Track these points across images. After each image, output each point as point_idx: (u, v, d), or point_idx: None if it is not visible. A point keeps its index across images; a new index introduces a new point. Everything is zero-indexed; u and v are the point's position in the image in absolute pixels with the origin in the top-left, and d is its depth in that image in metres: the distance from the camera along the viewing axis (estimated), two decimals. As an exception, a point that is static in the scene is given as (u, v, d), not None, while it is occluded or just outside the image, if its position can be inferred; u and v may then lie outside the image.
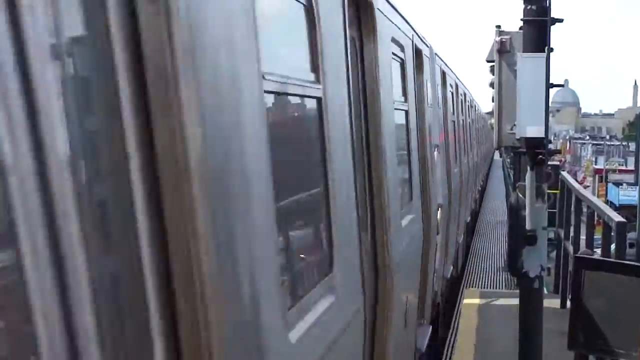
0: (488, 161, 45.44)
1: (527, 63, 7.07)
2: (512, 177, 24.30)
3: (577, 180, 16.49)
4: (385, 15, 5.32)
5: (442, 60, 11.37)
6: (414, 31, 7.59)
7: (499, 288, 15.44)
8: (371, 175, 4.68)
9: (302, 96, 3.29)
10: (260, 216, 2.31)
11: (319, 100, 3.36)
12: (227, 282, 2.01)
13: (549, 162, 7.68)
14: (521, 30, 7.44)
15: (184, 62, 1.81)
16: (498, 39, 7.81)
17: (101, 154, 1.69)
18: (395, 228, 4.98)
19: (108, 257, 1.68)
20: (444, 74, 11.27)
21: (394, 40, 5.88)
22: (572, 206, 10.84)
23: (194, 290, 1.82)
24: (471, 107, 20.77)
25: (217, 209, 1.97)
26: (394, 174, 5.14)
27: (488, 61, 8.18)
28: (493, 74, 8.09)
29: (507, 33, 7.83)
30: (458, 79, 14.97)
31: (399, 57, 6.37)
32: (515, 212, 7.40)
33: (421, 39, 8.14)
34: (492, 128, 8.41)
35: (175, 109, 1.79)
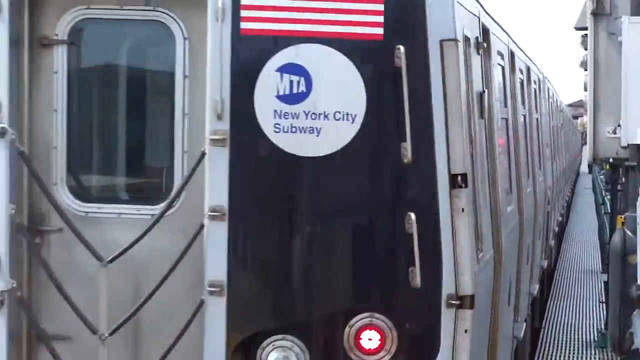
0: (572, 175, 45.53)
1: (638, 31, 7.06)
2: (609, 204, 24.12)
3: None
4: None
5: (548, 80, 21.25)
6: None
7: (590, 372, 15.51)
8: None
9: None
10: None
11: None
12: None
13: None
14: (629, -18, 7.48)
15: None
16: (593, -5, 7.85)
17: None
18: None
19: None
20: (548, 89, 20.45)
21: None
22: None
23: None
24: (561, 112, 33.18)
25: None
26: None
27: (577, 29, 8.24)
28: (585, 49, 8.12)
29: (608, -14, 7.87)
30: (555, 90, 26.47)
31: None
32: (619, 258, 7.44)
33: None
34: (584, 128, 8.47)
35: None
